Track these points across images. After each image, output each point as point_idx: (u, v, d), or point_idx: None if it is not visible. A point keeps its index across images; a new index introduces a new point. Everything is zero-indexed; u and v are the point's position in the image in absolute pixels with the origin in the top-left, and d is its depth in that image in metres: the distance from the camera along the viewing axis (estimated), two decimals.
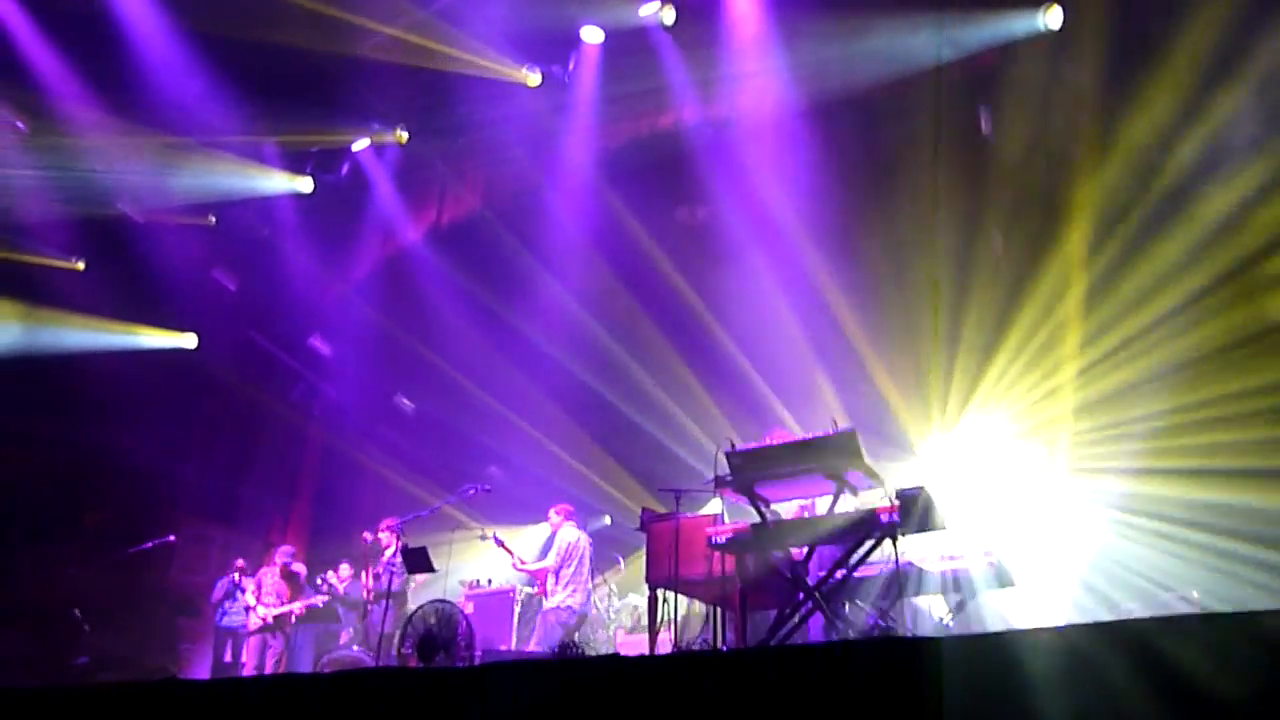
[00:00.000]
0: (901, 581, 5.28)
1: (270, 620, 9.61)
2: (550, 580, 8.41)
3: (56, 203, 11.31)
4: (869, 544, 4.98)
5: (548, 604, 8.34)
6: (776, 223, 9.78)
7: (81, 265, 12.17)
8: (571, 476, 11.52)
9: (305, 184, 12.10)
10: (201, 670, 10.28)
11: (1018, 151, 8.81)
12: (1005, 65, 8.89)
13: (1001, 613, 6.07)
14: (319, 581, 10.05)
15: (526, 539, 10.06)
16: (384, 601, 8.27)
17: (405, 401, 13.17)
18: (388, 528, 9.31)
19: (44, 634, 10.23)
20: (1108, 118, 8.21)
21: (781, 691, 3.42)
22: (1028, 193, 8.82)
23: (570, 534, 8.61)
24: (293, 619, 9.74)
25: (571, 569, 8.37)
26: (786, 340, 9.95)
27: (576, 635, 8.43)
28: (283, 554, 10.04)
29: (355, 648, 9.06)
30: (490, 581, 10.09)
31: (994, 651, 2.96)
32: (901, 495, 4.88)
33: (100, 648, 9.77)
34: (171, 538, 11.03)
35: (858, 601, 5.66)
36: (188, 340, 12.87)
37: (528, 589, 9.53)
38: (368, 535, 9.53)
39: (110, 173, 11.17)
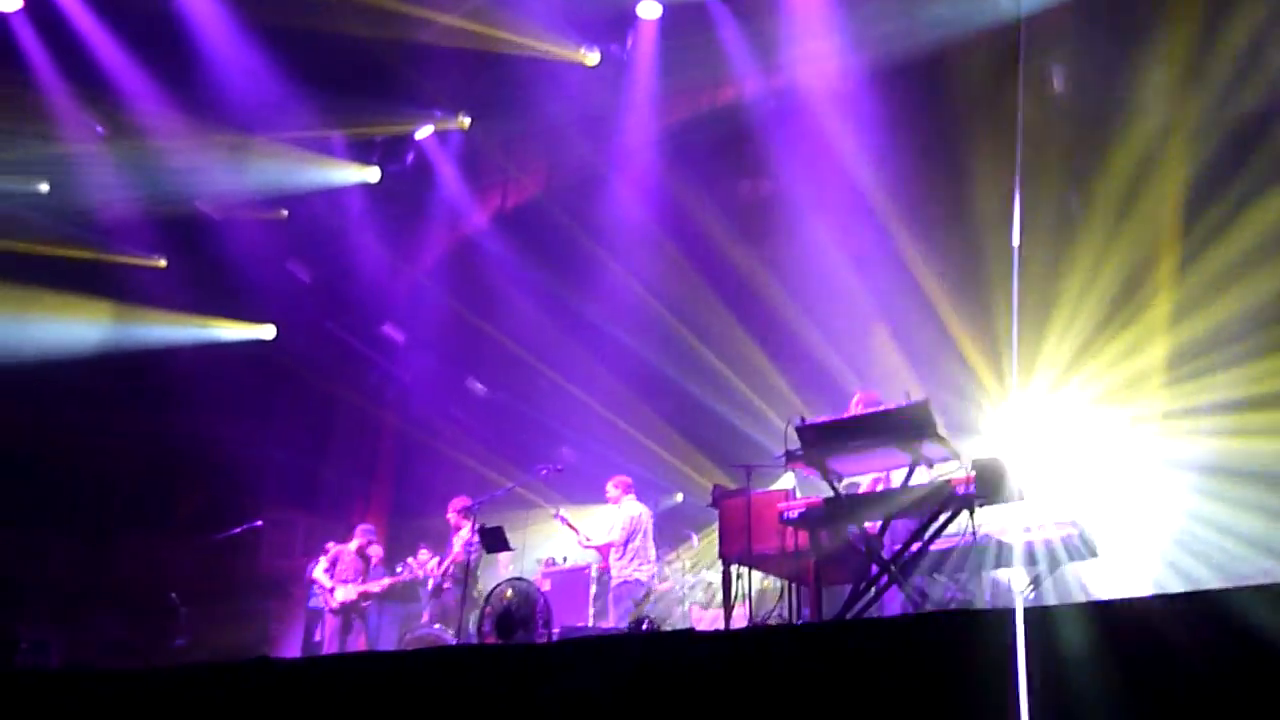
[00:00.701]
0: (979, 554, 5.20)
1: (348, 601, 9.79)
2: (614, 555, 8.46)
3: (137, 203, 11.75)
4: (945, 516, 4.91)
5: (614, 579, 8.40)
6: (843, 194, 9.64)
7: (163, 263, 12.63)
8: (642, 455, 11.57)
9: (372, 174, 12.33)
10: (292, 650, 10.64)
11: (1095, 108, 8.52)
12: (1080, 18, 8.59)
13: (1085, 584, 5.93)
14: (399, 568, 10.29)
15: (599, 517, 10.14)
16: (463, 581, 8.44)
17: (476, 385, 13.38)
18: (460, 508, 9.46)
19: (143, 618, 10.71)
20: (1193, 65, 7.88)
21: (859, 665, 3.41)
22: (1108, 150, 8.52)
23: (632, 507, 8.65)
24: (369, 599, 9.90)
25: (636, 543, 8.42)
26: (856, 312, 9.83)
27: (647, 609, 8.51)
28: (361, 533, 10.21)
29: (436, 626, 9.26)
30: (566, 560, 10.21)
31: (1076, 624, 2.90)
32: (978, 466, 4.79)
33: (196, 630, 10.18)
34: (258, 523, 11.42)
35: (935, 575, 5.58)
36: (266, 331, 13.27)
37: (602, 566, 9.62)
38: (449, 516, 9.67)
39: (186, 172, 11.54)
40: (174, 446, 12.67)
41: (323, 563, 9.86)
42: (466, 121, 11.82)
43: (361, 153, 12.24)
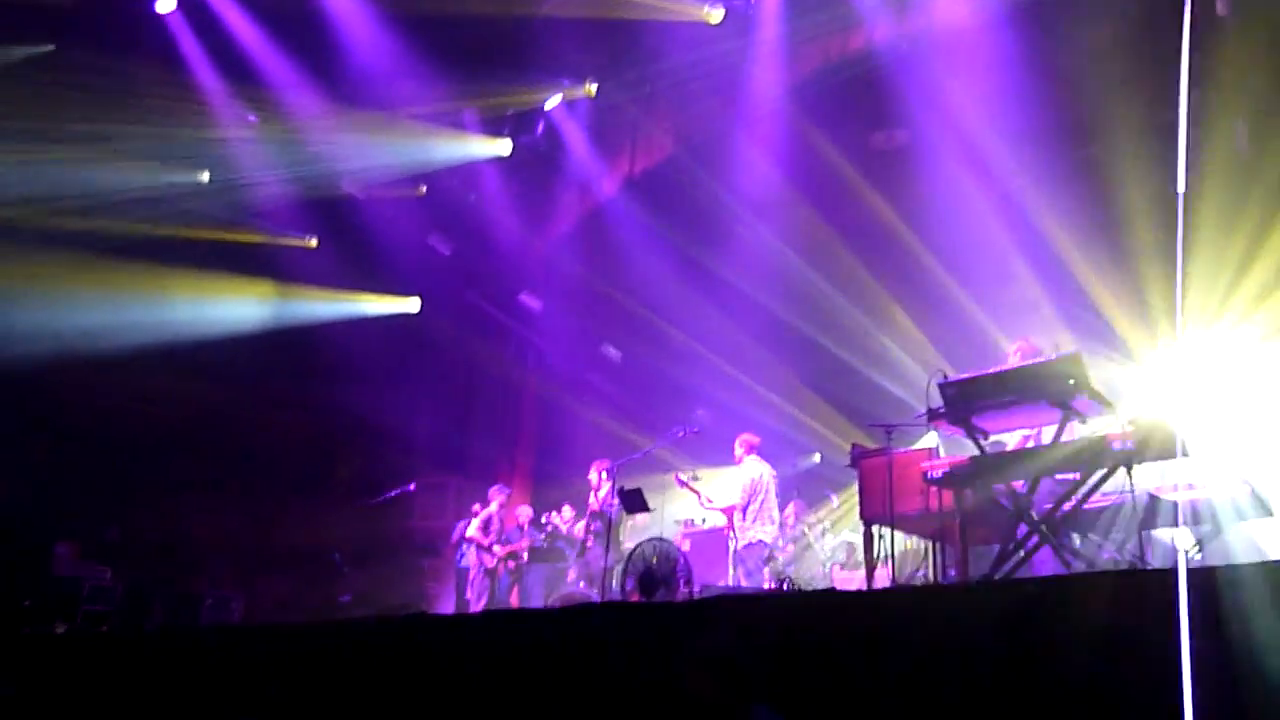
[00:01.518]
0: (1138, 513, 4.95)
1: (495, 560, 10.16)
2: (738, 517, 8.41)
3: (288, 187, 12.42)
4: (1101, 473, 4.70)
5: (740, 542, 8.35)
6: (981, 139, 9.21)
7: (314, 242, 13.34)
8: (778, 414, 11.52)
9: (504, 146, 12.60)
10: (445, 606, 11.17)
11: (1264, 32, 7.81)
12: None
13: (1258, 544, 5.56)
14: (544, 522, 10.63)
15: (732, 478, 10.17)
16: (605, 541, 8.64)
17: (612, 350, 13.59)
18: (601, 470, 9.65)
19: (310, 576, 11.48)
20: None
21: (1010, 624, 3.33)
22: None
23: (753, 468, 8.54)
24: (515, 559, 10.25)
25: (758, 504, 8.33)
26: (1000, 263, 9.43)
27: (784, 570, 8.50)
28: (496, 494, 10.55)
29: (581, 585, 9.54)
30: (704, 521, 10.30)
31: (1245, 586, 2.75)
32: (1136, 421, 4.55)
33: (358, 587, 10.83)
34: (411, 486, 12.03)
35: (1089, 535, 5.36)
36: (411, 304, 13.86)
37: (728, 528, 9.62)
38: (590, 476, 9.88)
39: (331, 154, 12.10)
40: (332, 417, 13.45)
41: (475, 523, 10.26)
42: (593, 88, 11.91)
43: (493, 126, 12.52)
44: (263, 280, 13.05)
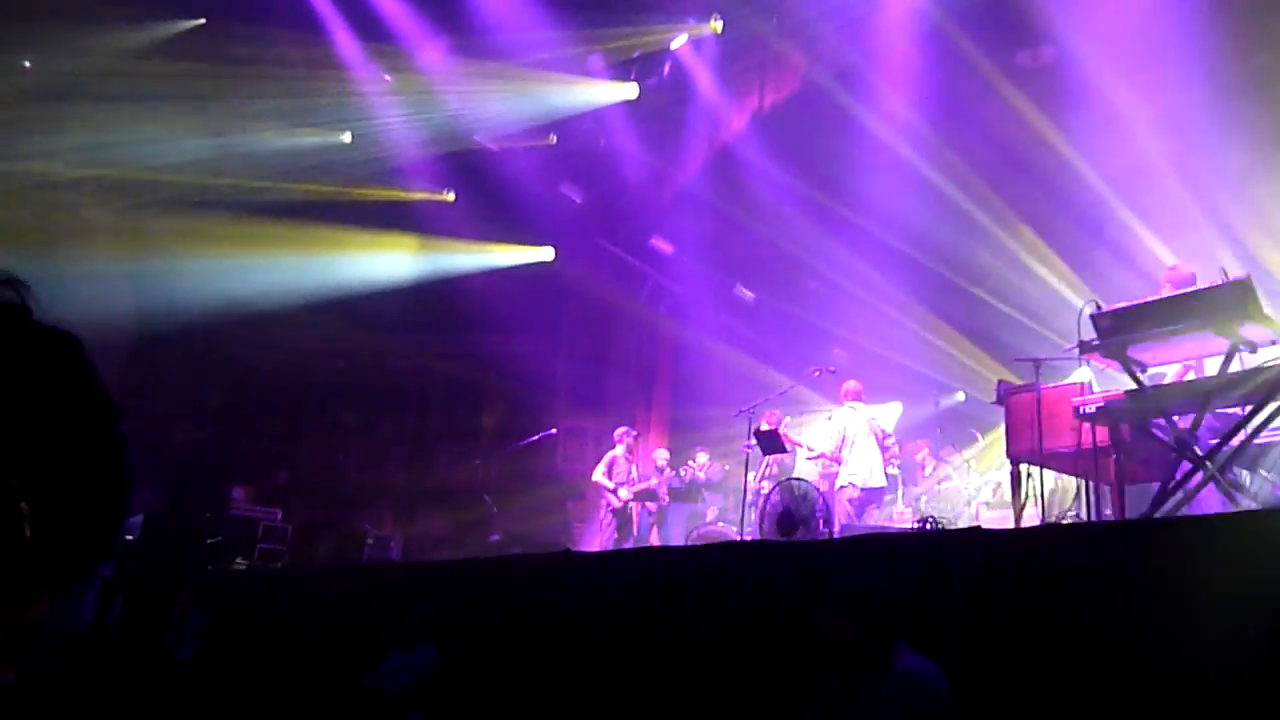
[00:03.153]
0: None
1: (626, 500, 10.34)
2: (834, 464, 8.52)
3: (424, 143, 12.80)
4: (1275, 406, 4.38)
5: (837, 484, 8.46)
6: (1134, 52, 8.54)
7: (451, 196, 13.73)
8: (918, 352, 11.22)
9: (631, 90, 12.55)
10: (590, 545, 11.51)
11: None
12: None
13: None
14: (682, 471, 10.76)
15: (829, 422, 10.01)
16: (743, 481, 8.70)
17: (745, 292, 13.50)
18: (736, 412, 9.65)
19: (462, 516, 12.03)
20: None
21: (1172, 566, 3.18)
22: None
23: (845, 416, 8.61)
24: (654, 499, 10.40)
25: (850, 450, 8.40)
26: (1159, 187, 8.80)
27: (920, 508, 8.42)
28: (622, 436, 10.69)
29: (720, 524, 9.64)
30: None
31: None
32: None
33: (507, 527, 11.29)
34: (554, 430, 12.38)
35: (1261, 472, 5.03)
36: (546, 253, 14.13)
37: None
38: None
39: (463, 108, 12.37)
40: (478, 365, 13.98)
41: (599, 468, 10.49)
42: (719, 24, 11.67)
43: (619, 70, 12.49)
44: (407, 235, 13.58)
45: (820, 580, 3.46)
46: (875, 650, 3.02)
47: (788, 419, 9.79)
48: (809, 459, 9.14)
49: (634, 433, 10.80)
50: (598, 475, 10.35)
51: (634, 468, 10.45)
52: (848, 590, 3.12)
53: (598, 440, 12.53)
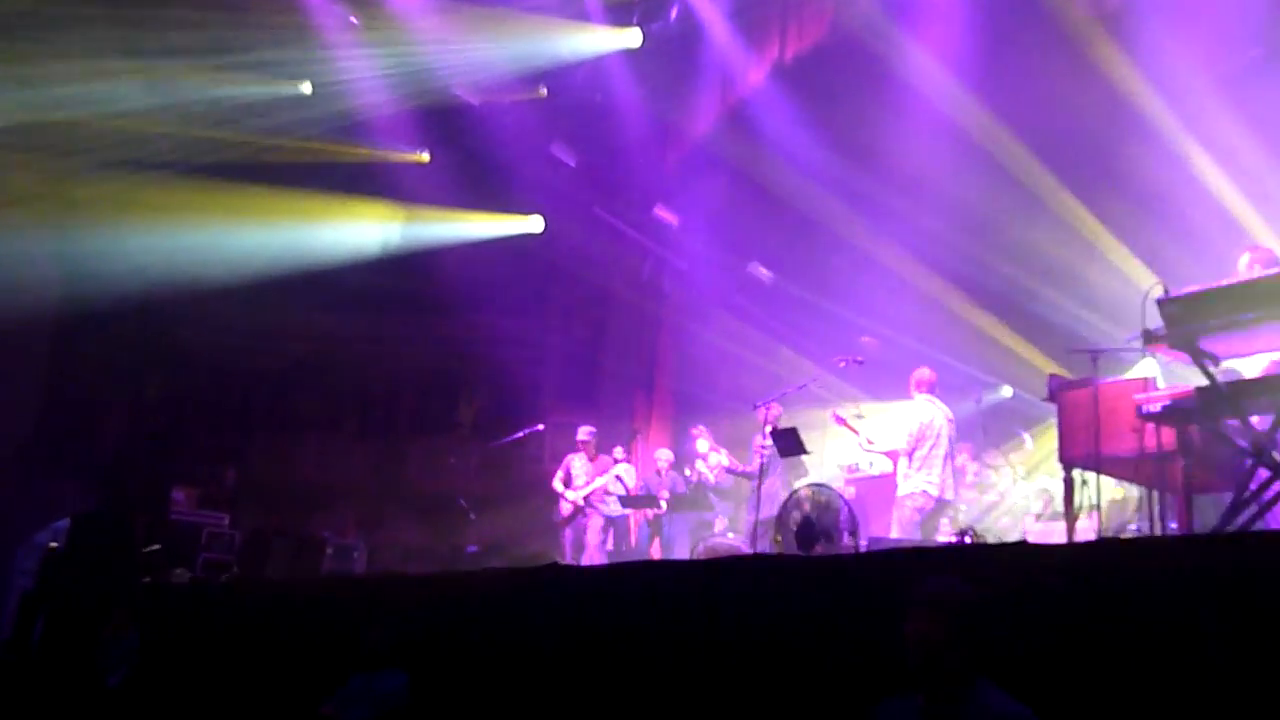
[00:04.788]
0: None
1: (568, 509, 10.52)
2: (903, 463, 8.18)
3: (396, 96, 12.73)
4: None
5: (900, 489, 8.13)
6: (1198, 11, 8.50)
7: (426, 157, 13.69)
8: (958, 342, 11.19)
9: (633, 36, 12.48)
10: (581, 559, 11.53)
11: None
12: None
13: None
14: (688, 472, 10.80)
15: (900, 417, 10.01)
16: (756, 487, 8.68)
17: (761, 270, 13.45)
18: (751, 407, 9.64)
19: (435, 522, 12.05)
20: None
21: (1243, 587, 3.17)
22: None
23: (923, 410, 8.28)
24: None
25: (925, 449, 8.05)
26: (1230, 163, 8.78)
27: (957, 521, 8.31)
28: (583, 433, 10.84)
29: (730, 535, 9.65)
30: (873, 465, 10.19)
31: None
32: None
33: (485, 535, 11.32)
34: (540, 426, 12.39)
35: None
36: (534, 224, 14.09)
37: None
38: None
39: (441, 56, 12.30)
40: (454, 350, 13.97)
41: (559, 474, 10.68)
42: None
43: (620, 14, 12.40)
44: (375, 202, 13.54)
45: (842, 599, 3.45)
46: (968, 670, 3.01)
47: (855, 409, 9.62)
48: (867, 450, 8.94)
49: (593, 431, 10.93)
50: (556, 484, 10.54)
51: (619, 474, 10.60)
52: (948, 591, 3.11)
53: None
